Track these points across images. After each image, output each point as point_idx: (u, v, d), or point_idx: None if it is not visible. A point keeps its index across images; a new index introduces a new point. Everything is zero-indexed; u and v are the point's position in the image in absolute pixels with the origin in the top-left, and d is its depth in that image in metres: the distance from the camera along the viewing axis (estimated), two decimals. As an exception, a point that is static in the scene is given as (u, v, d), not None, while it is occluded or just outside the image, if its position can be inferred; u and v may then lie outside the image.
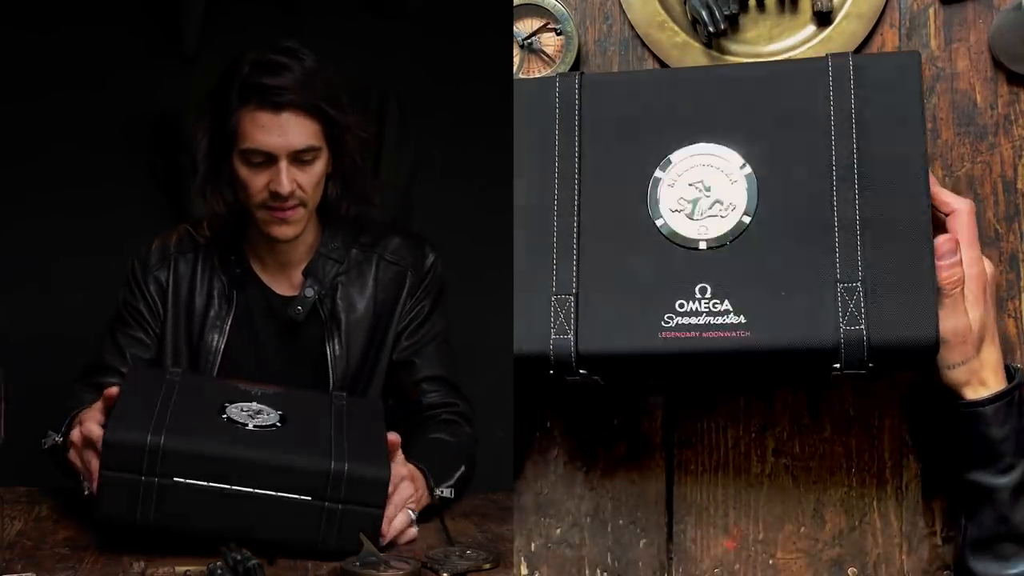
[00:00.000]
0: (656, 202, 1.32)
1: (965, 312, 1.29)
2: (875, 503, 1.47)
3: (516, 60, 1.49)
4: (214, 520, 1.33)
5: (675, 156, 1.33)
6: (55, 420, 1.58)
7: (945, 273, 1.27)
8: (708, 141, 1.32)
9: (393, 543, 1.40)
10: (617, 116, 1.34)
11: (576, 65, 1.48)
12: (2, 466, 1.44)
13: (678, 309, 1.28)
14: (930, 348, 1.24)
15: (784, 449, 1.48)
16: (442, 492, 1.49)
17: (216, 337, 1.69)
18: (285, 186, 1.59)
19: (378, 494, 1.35)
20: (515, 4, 1.48)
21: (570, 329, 1.31)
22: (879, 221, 1.27)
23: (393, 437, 1.44)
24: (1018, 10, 1.38)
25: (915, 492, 1.46)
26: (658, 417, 1.50)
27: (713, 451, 1.49)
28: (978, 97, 1.46)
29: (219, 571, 1.26)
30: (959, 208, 1.32)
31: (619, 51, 1.50)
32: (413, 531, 1.42)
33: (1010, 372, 1.33)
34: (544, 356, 1.30)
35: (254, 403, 1.44)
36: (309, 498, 1.34)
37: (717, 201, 1.31)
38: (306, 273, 1.68)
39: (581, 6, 1.50)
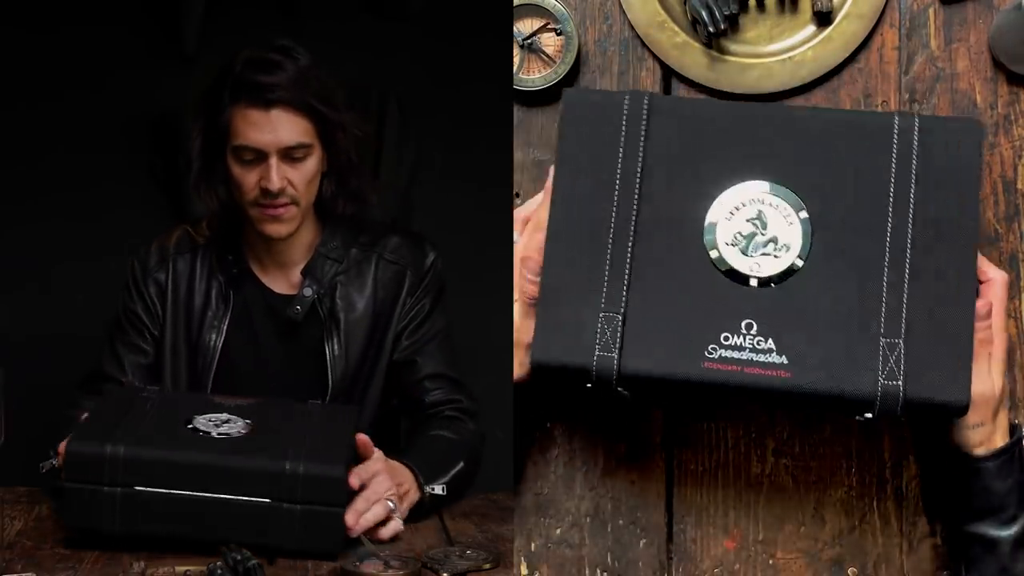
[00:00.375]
0: (712, 234, 1.32)
1: (989, 375, 1.32)
2: (875, 503, 1.47)
3: (516, 60, 1.49)
4: (179, 526, 1.35)
5: (735, 190, 1.33)
6: (55, 420, 1.58)
7: (980, 335, 1.30)
8: (770, 180, 1.32)
9: (378, 538, 1.40)
10: (683, 142, 1.34)
11: (576, 65, 1.48)
12: (2, 466, 1.44)
13: (723, 341, 1.29)
14: (961, 410, 1.27)
15: (784, 449, 1.48)
16: (433, 489, 1.49)
17: (214, 336, 1.69)
18: (275, 183, 1.59)
19: (334, 492, 1.35)
20: (515, 4, 1.48)
21: (615, 347, 1.31)
22: (927, 282, 1.29)
23: (362, 438, 1.45)
24: (1018, 10, 1.38)
25: (915, 492, 1.46)
26: (658, 417, 1.50)
27: (713, 451, 1.49)
28: (978, 97, 1.46)
29: (219, 571, 1.26)
30: (995, 278, 1.34)
31: (619, 51, 1.50)
32: (396, 524, 1.42)
33: (1013, 428, 1.36)
34: (585, 370, 1.31)
35: (224, 414, 1.45)
36: (268, 500, 1.35)
37: (772, 240, 1.32)
38: (304, 273, 1.67)
39: (581, 6, 1.50)
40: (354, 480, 1.41)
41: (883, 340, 1.28)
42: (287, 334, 1.68)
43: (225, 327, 1.69)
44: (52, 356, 2.42)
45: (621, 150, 1.35)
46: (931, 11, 1.47)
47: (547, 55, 1.49)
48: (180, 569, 1.30)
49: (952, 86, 1.46)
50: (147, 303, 1.73)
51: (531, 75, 1.49)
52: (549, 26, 1.48)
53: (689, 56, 1.48)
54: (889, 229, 1.30)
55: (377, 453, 1.46)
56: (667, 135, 1.35)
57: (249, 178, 1.61)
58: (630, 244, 1.33)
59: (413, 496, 1.48)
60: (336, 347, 1.67)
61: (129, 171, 2.53)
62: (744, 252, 1.32)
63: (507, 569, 1.37)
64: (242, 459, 1.36)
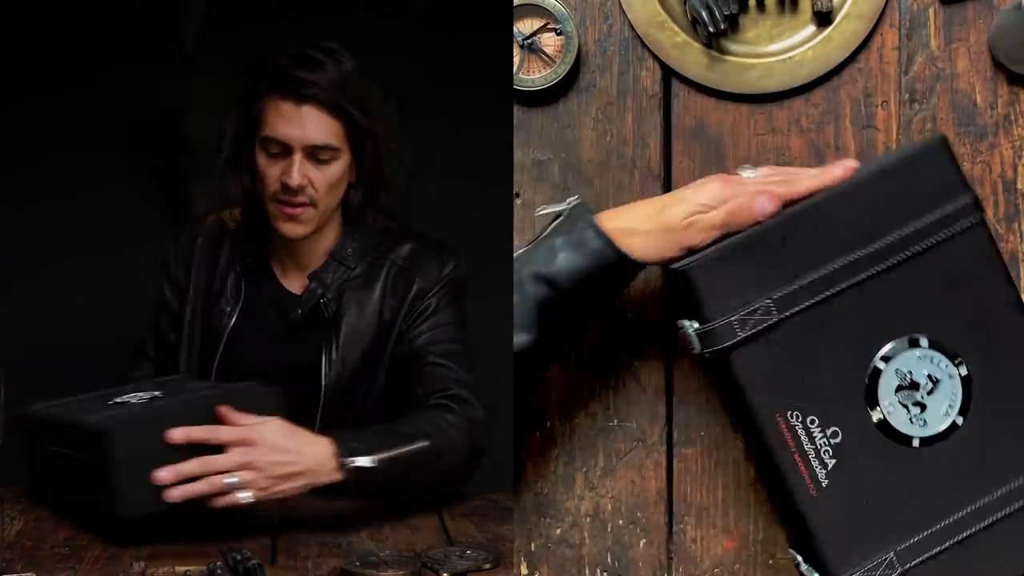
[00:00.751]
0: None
1: None
2: (875, 503, 1.46)
3: (516, 60, 1.49)
4: (58, 480, 1.46)
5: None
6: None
7: None
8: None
9: (211, 506, 1.36)
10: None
11: (576, 65, 1.48)
12: (2, 466, 1.44)
13: None
14: None
15: (784, 449, 1.48)
16: (353, 462, 1.41)
17: (223, 321, 1.70)
18: (295, 178, 1.58)
19: (96, 446, 1.36)
20: (515, 4, 1.48)
21: None
22: None
23: (221, 409, 1.39)
24: (1018, 10, 1.38)
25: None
26: (659, 416, 1.50)
27: (713, 451, 1.49)
28: (978, 97, 1.46)
29: (219, 571, 1.27)
30: None
31: (619, 51, 1.50)
32: (236, 496, 1.36)
33: None
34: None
35: (157, 392, 1.50)
36: (88, 456, 1.39)
37: (931, 397, 1.32)
38: (312, 276, 1.67)
39: (581, 6, 1.50)
40: (177, 435, 1.36)
41: None
42: (292, 335, 1.68)
43: (235, 316, 1.70)
44: (52, 357, 2.42)
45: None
46: (931, 11, 1.47)
47: (547, 55, 1.49)
48: (180, 569, 1.30)
49: (952, 86, 1.46)
50: (174, 285, 1.76)
51: (531, 75, 1.49)
52: (549, 26, 1.48)
53: (689, 56, 1.48)
54: None
55: (246, 424, 1.40)
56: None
57: (272, 171, 1.61)
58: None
59: (301, 479, 1.41)
60: (333, 352, 1.66)
61: (129, 171, 2.53)
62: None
63: (507, 569, 1.37)
64: (84, 416, 1.42)
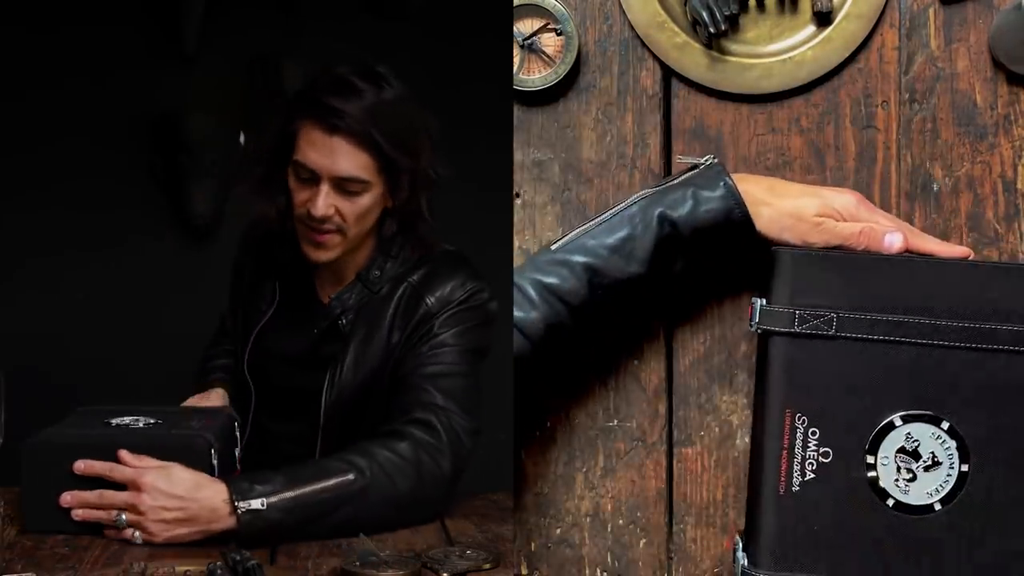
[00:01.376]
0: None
1: None
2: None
3: (516, 60, 1.49)
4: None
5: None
6: (55, 419, 1.58)
7: None
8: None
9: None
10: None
11: (576, 65, 1.48)
12: (2, 466, 1.44)
13: None
14: None
15: (784, 449, 1.48)
16: (250, 504, 1.39)
17: (257, 319, 1.71)
18: (320, 208, 1.56)
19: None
20: (515, 4, 1.48)
21: None
22: None
23: (120, 453, 1.44)
24: (1018, 10, 1.38)
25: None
26: (659, 417, 1.50)
27: (713, 451, 1.49)
28: (978, 97, 1.46)
29: (219, 571, 1.27)
30: None
31: (619, 51, 1.50)
32: (127, 534, 1.41)
33: None
34: None
35: (149, 418, 1.55)
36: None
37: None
38: (334, 296, 1.65)
39: (581, 6, 1.50)
40: (79, 466, 1.44)
41: None
42: (312, 348, 1.67)
43: (266, 317, 1.70)
44: (52, 357, 2.42)
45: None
46: (931, 11, 1.47)
47: (547, 55, 1.49)
48: (180, 569, 1.30)
49: (952, 86, 1.46)
50: (238, 273, 1.80)
51: (531, 75, 1.49)
52: (549, 26, 1.48)
53: (689, 56, 1.48)
54: None
55: (138, 468, 1.43)
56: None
57: (301, 195, 1.58)
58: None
59: (192, 525, 1.40)
60: (337, 374, 1.63)
61: (129, 171, 2.53)
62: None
63: (507, 569, 1.37)
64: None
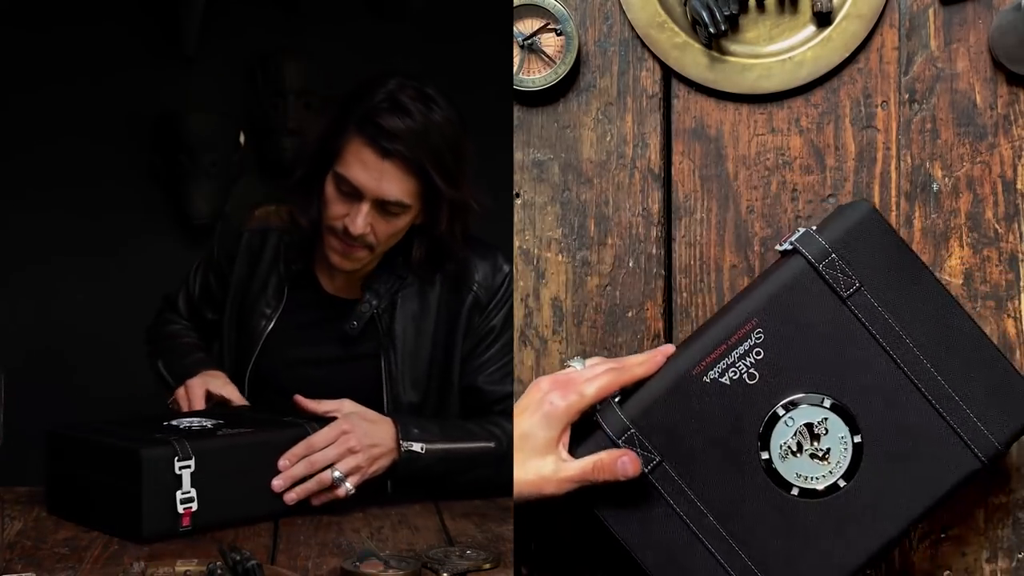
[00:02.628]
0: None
1: None
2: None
3: (516, 60, 1.49)
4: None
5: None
6: (55, 420, 1.58)
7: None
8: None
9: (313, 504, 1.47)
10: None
11: (576, 65, 1.48)
12: (2, 466, 1.44)
13: None
14: None
15: (784, 449, 1.48)
16: (411, 446, 1.50)
17: (263, 323, 1.69)
18: (358, 227, 1.55)
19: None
20: (515, 4, 1.48)
21: None
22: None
23: (297, 397, 1.51)
24: (1018, 10, 1.38)
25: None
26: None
27: (713, 451, 1.49)
28: (978, 97, 1.46)
29: (219, 571, 1.26)
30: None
31: (619, 51, 1.50)
32: (334, 493, 1.48)
33: None
34: None
35: (208, 419, 1.54)
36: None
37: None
38: (365, 285, 1.64)
39: (581, 6, 1.50)
40: (284, 463, 1.46)
41: None
42: (339, 342, 1.66)
43: (275, 319, 1.68)
44: (51, 357, 2.42)
45: None
46: (931, 11, 1.47)
47: (547, 55, 1.49)
48: (180, 569, 1.30)
49: (952, 86, 1.46)
50: (218, 272, 1.77)
51: (531, 75, 1.49)
52: (549, 26, 1.48)
53: (689, 56, 1.48)
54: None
55: (344, 424, 1.48)
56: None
57: (337, 207, 1.57)
58: None
59: (385, 459, 1.50)
60: (393, 366, 1.64)
61: (129, 171, 2.53)
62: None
63: (507, 569, 1.37)
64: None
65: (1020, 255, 1.46)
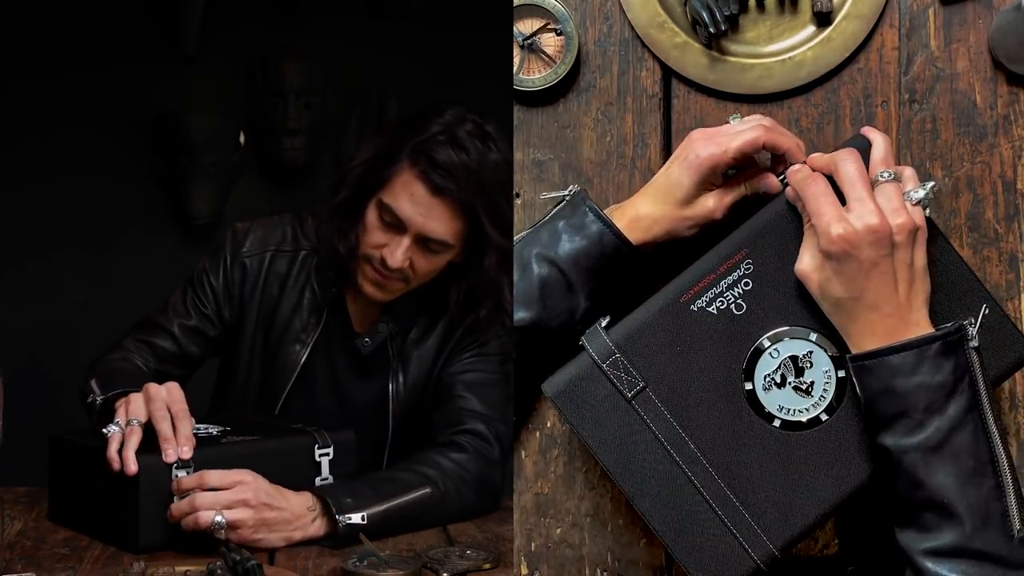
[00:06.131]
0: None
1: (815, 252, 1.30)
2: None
3: (516, 60, 1.49)
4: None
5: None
6: (55, 420, 1.58)
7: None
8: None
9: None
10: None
11: (576, 65, 1.48)
12: (2, 466, 1.44)
13: None
14: None
15: (784, 449, 1.48)
16: (349, 519, 1.41)
17: (298, 349, 1.63)
18: (397, 260, 1.52)
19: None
20: (515, 4, 1.48)
21: None
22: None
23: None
24: (1018, 10, 1.38)
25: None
26: (658, 417, 1.50)
27: (713, 451, 1.49)
28: (978, 97, 1.46)
29: (219, 571, 1.27)
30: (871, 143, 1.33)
31: (619, 51, 1.50)
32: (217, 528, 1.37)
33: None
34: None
35: (215, 428, 1.51)
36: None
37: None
38: (384, 309, 1.62)
39: (581, 6, 1.50)
40: (191, 480, 1.37)
41: None
42: (357, 365, 1.65)
43: (311, 343, 1.63)
44: (51, 356, 2.42)
45: None
46: (931, 11, 1.47)
47: (547, 55, 1.49)
48: (180, 569, 1.30)
49: (952, 86, 1.46)
50: (228, 282, 1.66)
51: (531, 75, 1.49)
52: (549, 26, 1.48)
53: (689, 56, 1.48)
54: None
55: (246, 476, 1.39)
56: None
57: (376, 236, 1.54)
58: None
59: (282, 529, 1.40)
60: (400, 386, 1.62)
61: (129, 170, 2.53)
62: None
63: (507, 569, 1.37)
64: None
65: (1020, 255, 1.46)
